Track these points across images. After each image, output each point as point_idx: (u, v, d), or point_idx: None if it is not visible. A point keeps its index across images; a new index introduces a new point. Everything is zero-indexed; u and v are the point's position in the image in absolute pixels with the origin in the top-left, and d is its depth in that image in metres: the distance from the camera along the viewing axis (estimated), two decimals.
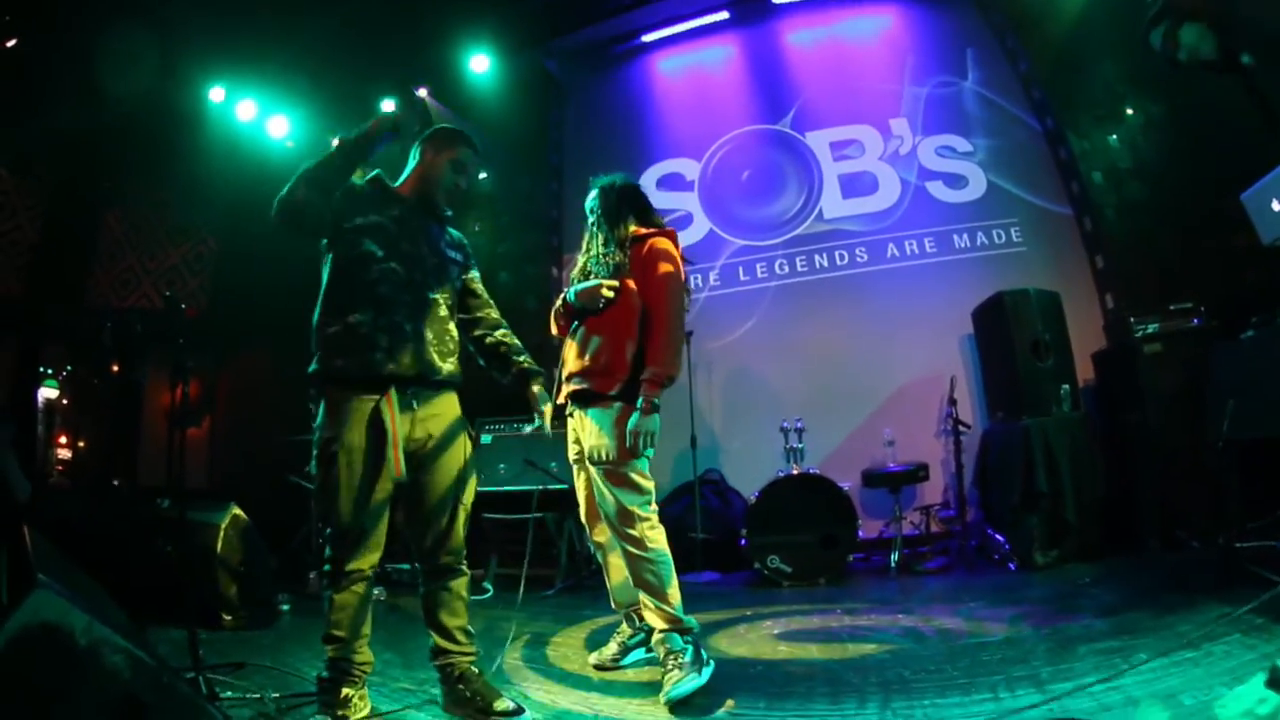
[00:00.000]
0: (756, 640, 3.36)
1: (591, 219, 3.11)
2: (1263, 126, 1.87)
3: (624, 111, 7.40)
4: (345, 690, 2.31)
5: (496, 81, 6.89)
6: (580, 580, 4.94)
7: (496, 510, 5.09)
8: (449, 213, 2.70)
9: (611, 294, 2.87)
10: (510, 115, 6.94)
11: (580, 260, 3.12)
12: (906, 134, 6.61)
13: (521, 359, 2.81)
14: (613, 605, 3.17)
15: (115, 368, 5.96)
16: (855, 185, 6.65)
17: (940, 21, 6.83)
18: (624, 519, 2.79)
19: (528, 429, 2.96)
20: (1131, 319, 4.68)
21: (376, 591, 3.10)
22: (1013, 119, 6.38)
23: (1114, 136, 5.94)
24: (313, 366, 2.42)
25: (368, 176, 2.59)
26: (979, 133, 6.45)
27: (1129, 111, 5.90)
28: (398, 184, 2.66)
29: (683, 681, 2.54)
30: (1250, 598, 2.67)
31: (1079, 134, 6.03)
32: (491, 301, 2.86)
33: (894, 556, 4.88)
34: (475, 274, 2.82)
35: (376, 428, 2.35)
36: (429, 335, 2.47)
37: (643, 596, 2.79)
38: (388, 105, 6.96)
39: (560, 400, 2.98)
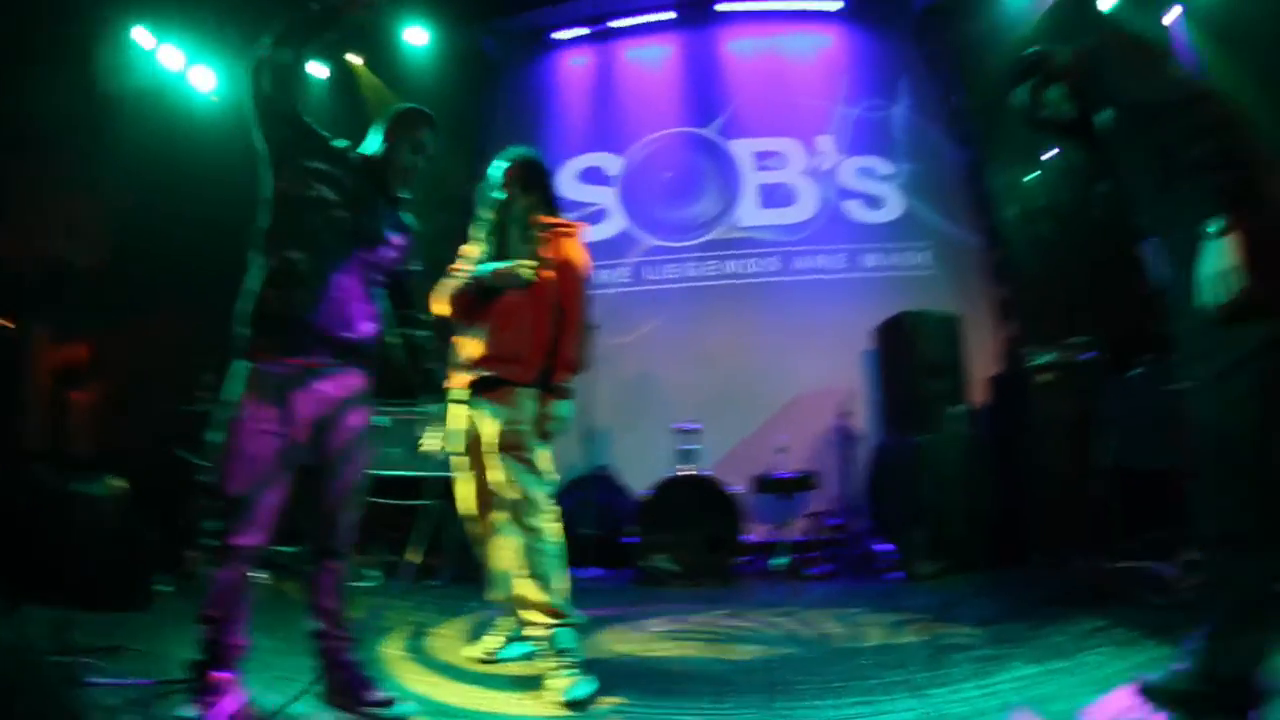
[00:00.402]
0: (641, 638, 3.33)
1: (505, 195, 2.95)
2: (1109, 187, 1.97)
3: (555, 100, 7.23)
4: (219, 675, 2.12)
5: (431, 57, 6.70)
6: (467, 572, 4.76)
7: (387, 495, 4.91)
8: (407, 195, 2.53)
9: (533, 275, 2.79)
10: (440, 92, 6.69)
11: (482, 237, 2.99)
12: (831, 151, 6.71)
13: (430, 365, 2.73)
14: (494, 597, 3.01)
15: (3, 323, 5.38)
16: (774, 196, 6.71)
17: (880, 46, 6.96)
18: (528, 508, 2.71)
19: (422, 447, 2.85)
20: (1029, 348, 4.84)
21: (263, 575, 2.98)
22: (937, 148, 6.56)
23: (1033, 176, 6.18)
24: (241, 304, 2.23)
25: (338, 142, 2.43)
26: (902, 157, 6.60)
27: (1051, 154, 6.16)
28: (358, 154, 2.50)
29: (582, 682, 2.47)
30: (1124, 614, 2.79)
31: (1000, 170, 6.25)
32: (418, 299, 2.72)
33: (780, 561, 4.90)
34: (414, 266, 2.63)
35: (283, 398, 2.18)
36: (352, 295, 2.30)
37: (528, 589, 2.68)
38: (319, 70, 6.58)
39: (456, 386, 2.89)
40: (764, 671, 2.75)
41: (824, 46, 7.07)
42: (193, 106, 6.27)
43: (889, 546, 4.80)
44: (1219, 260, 1.57)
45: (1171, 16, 5.85)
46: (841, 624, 3.46)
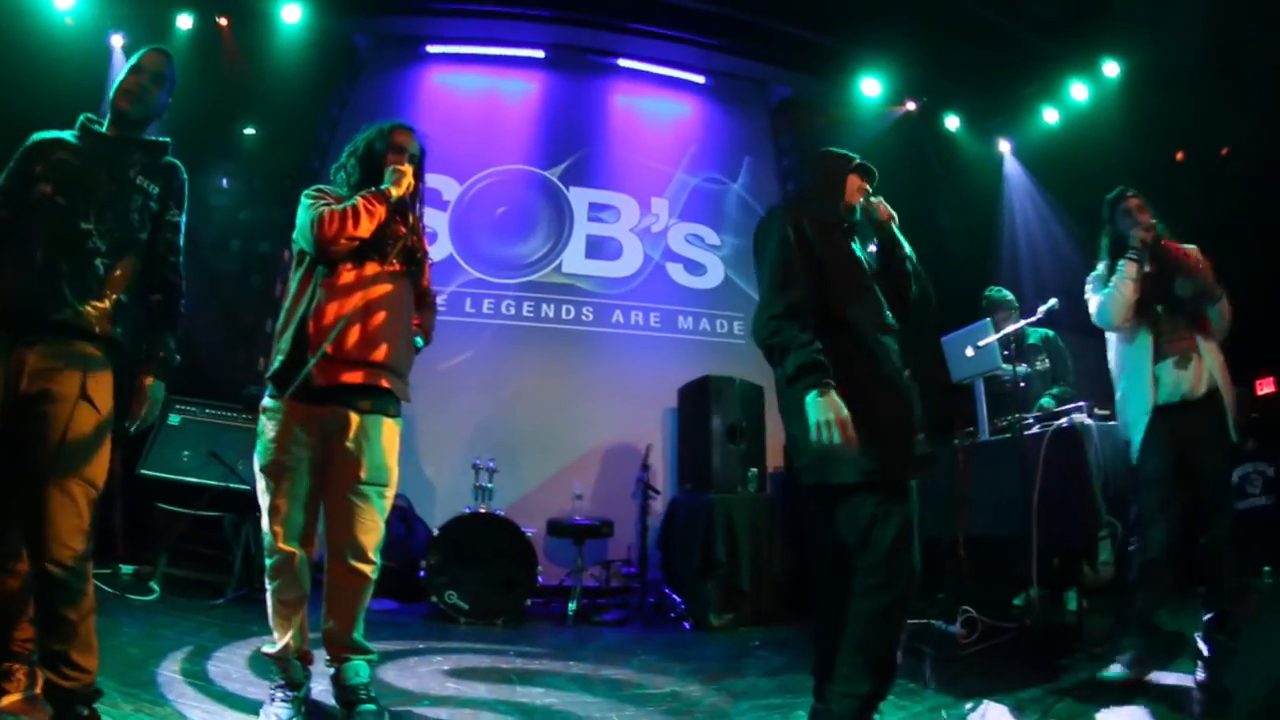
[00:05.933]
0: (426, 675, 3.15)
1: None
2: None
3: (411, 112, 6.88)
4: (11, 664, 2.12)
5: (300, 38, 6.31)
6: (253, 592, 4.29)
7: (173, 502, 4.40)
8: (162, 139, 2.33)
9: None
10: (300, 78, 6.33)
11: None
12: (664, 214, 7.02)
13: (160, 343, 2.28)
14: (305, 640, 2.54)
15: None
16: (600, 248, 6.87)
17: (733, 125, 7.47)
18: (377, 545, 2.46)
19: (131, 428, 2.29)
20: None
21: None
22: None
23: None
24: None
25: (79, 122, 2.27)
26: (730, 231, 7.04)
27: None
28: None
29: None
30: (906, 666, 2.93)
31: None
32: (176, 252, 2.33)
33: (572, 605, 4.83)
34: (175, 217, 2.32)
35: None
36: (63, 268, 2.06)
37: (351, 626, 2.46)
38: (183, 20, 5.91)
39: (328, 382, 2.36)
40: (548, 715, 2.69)
41: (681, 115, 7.45)
42: (50, 24, 5.39)
43: (680, 597, 4.88)
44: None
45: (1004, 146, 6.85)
46: (632, 670, 3.43)
